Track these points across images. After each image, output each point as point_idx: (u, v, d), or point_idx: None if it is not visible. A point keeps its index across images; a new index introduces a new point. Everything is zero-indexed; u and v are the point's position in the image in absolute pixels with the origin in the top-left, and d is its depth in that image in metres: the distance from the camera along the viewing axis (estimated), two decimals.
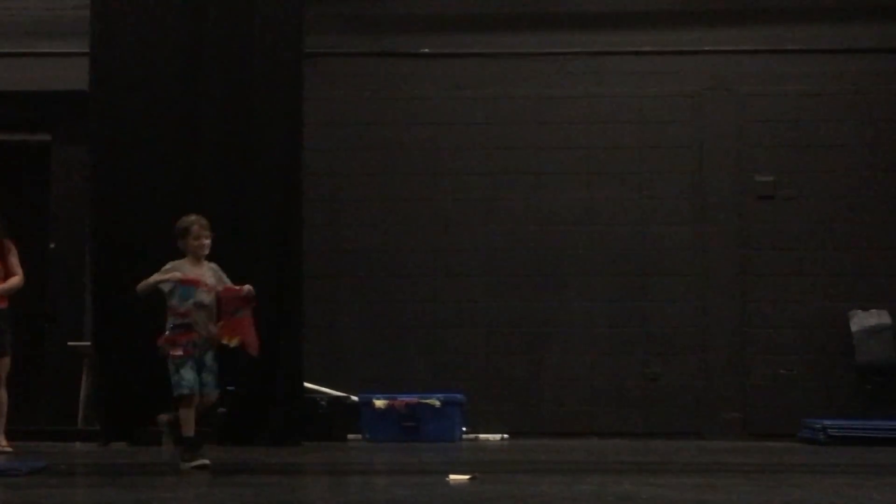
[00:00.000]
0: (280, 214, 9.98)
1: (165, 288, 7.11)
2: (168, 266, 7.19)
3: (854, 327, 10.62)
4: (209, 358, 7.12)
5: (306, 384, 10.16)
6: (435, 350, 11.07)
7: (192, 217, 7.36)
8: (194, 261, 7.23)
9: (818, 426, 9.98)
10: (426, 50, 11.31)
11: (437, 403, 10.25)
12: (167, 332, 7.10)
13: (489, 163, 11.22)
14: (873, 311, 10.65)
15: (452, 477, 6.18)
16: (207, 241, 7.26)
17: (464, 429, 10.46)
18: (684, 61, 11.10)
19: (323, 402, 10.29)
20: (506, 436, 10.68)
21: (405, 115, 11.29)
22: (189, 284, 7.08)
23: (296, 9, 10.12)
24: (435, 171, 11.26)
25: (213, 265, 7.32)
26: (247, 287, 7.17)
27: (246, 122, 9.99)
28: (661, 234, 11.03)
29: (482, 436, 10.59)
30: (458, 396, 10.40)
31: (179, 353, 7.01)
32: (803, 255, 10.93)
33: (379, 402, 10.21)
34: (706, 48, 11.08)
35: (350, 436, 10.29)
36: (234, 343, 7.12)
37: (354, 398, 10.39)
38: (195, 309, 7.06)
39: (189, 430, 6.99)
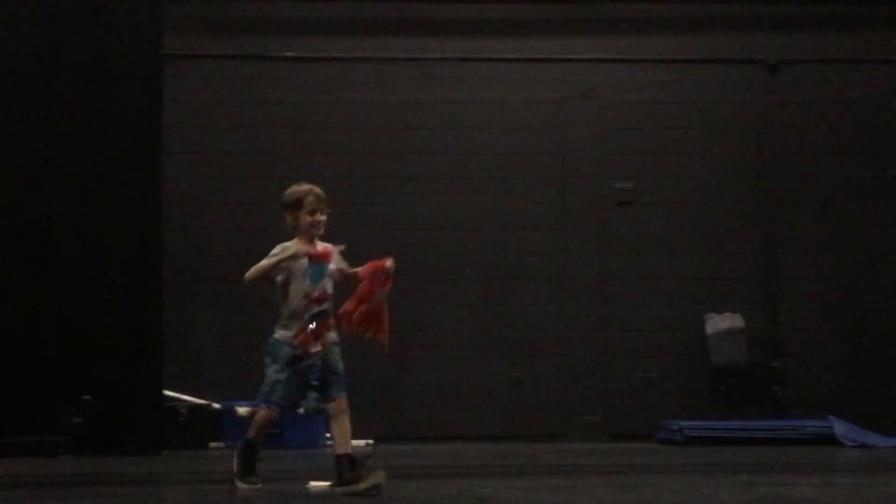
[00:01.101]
0: (138, 218, 9.76)
1: (278, 275, 5.87)
2: (277, 250, 5.95)
3: (709, 330, 10.91)
4: (336, 355, 5.92)
5: (166, 392, 9.97)
6: None
7: (305, 186, 6.09)
8: (307, 242, 5.97)
9: (675, 427, 10.22)
10: (290, 53, 11.22)
11: (301, 410, 10.15)
12: (310, 328, 5.82)
13: (353, 167, 11.19)
14: (727, 314, 10.96)
15: (313, 483, 6.14)
16: (324, 218, 6.05)
17: (328, 435, 10.38)
18: (546, 69, 11.25)
19: (183, 410, 10.11)
20: (371, 441, 10.65)
21: (268, 118, 11.18)
22: (320, 260, 5.89)
23: (154, 9, 9.93)
24: (298, 175, 10.96)
25: (327, 246, 6.09)
26: (390, 260, 5.97)
27: (103, 125, 9.74)
28: (524, 240, 11.16)
29: None
30: None
31: (319, 349, 5.84)
32: (661, 260, 11.17)
33: (241, 410, 10.07)
34: (568, 56, 11.25)
35: (212, 444, 10.13)
36: (367, 335, 5.98)
37: (216, 406, 10.24)
38: (328, 290, 5.91)
39: (346, 445, 5.78)
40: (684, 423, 10.21)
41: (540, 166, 11.22)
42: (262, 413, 6.06)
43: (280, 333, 5.92)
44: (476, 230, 11.13)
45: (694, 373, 11.03)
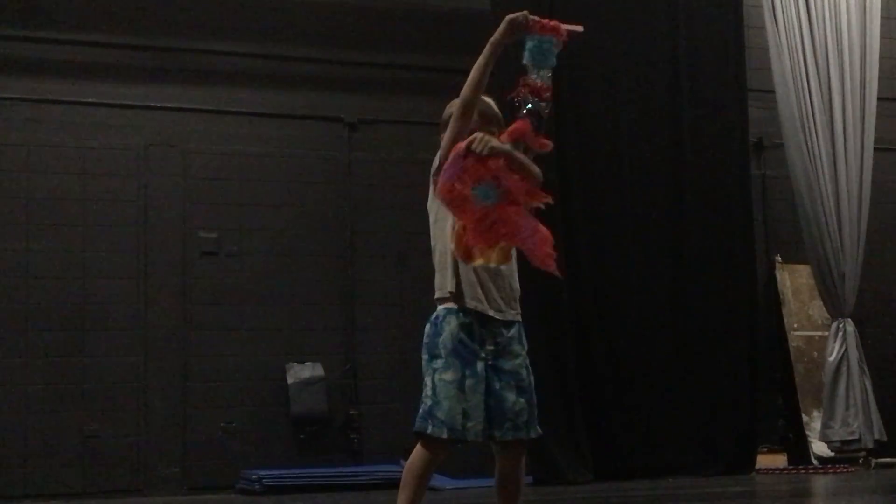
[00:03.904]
0: None
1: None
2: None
3: (290, 380, 11.06)
4: (515, 335, 3.75)
5: None
6: None
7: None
8: None
9: (254, 477, 10.26)
10: None
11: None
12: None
13: None
14: (308, 363, 11.16)
15: None
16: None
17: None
18: (128, 115, 11.03)
19: None
20: None
21: None
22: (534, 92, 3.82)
23: None
24: None
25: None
26: (467, 142, 3.82)
27: None
28: (102, 289, 10.82)
29: None
30: None
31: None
32: (245, 310, 11.22)
33: None
34: (152, 104, 11.12)
35: None
36: (491, 262, 3.66)
37: None
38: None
39: None
40: (263, 473, 10.27)
41: (121, 214, 10.96)
42: (415, 454, 3.87)
43: (441, 300, 3.78)
44: (50, 278, 10.67)
45: (275, 422, 11.12)
